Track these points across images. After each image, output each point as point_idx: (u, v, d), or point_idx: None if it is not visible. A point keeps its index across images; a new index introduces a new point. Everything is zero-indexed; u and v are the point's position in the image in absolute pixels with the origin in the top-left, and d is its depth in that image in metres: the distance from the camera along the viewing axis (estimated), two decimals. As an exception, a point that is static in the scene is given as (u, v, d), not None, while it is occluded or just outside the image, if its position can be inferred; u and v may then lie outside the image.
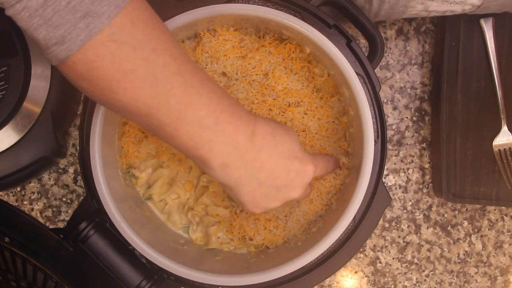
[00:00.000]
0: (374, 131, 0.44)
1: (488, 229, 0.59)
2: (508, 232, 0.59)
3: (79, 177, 0.58)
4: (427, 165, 0.59)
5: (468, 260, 0.60)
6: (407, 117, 0.58)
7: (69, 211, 0.59)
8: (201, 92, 0.35)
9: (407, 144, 0.59)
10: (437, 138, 0.56)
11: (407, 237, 0.59)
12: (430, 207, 0.59)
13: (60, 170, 0.58)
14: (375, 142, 0.45)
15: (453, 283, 0.60)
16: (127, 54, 0.31)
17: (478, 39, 0.54)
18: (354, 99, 0.45)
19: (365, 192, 0.44)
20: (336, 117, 0.51)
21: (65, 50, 0.30)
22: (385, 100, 0.58)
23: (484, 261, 0.60)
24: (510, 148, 0.55)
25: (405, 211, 0.59)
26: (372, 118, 0.45)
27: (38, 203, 0.59)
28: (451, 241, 0.60)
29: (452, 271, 0.60)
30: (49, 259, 0.42)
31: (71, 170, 0.58)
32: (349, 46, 0.45)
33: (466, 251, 0.60)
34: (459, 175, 0.56)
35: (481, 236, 0.59)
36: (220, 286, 0.45)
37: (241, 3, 0.44)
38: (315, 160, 0.43)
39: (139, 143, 0.51)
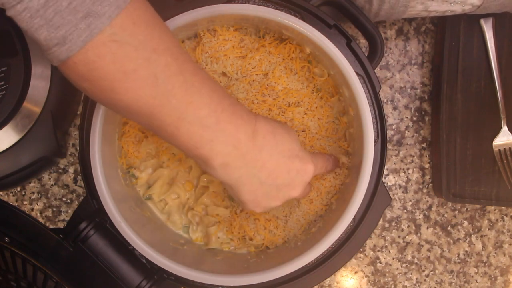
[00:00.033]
0: (374, 131, 0.44)
1: (488, 229, 0.59)
2: (508, 232, 0.59)
3: (79, 177, 0.58)
4: (427, 165, 0.59)
5: (468, 260, 0.60)
6: (407, 117, 0.58)
7: (69, 211, 0.59)
8: (202, 91, 0.35)
9: (407, 144, 0.59)
10: (437, 138, 0.56)
11: (407, 237, 0.59)
12: (430, 207, 0.59)
13: (60, 170, 0.58)
14: (375, 142, 0.45)
15: (453, 283, 0.60)
16: (128, 54, 0.31)
17: (478, 39, 0.54)
18: (354, 99, 0.45)
19: (365, 192, 0.44)
20: (336, 117, 0.51)
21: (66, 51, 0.30)
22: (385, 100, 0.58)
23: (484, 261, 0.60)
24: (510, 148, 0.55)
25: (405, 211, 0.59)
26: (372, 118, 0.45)
27: (38, 203, 0.59)
28: (451, 241, 0.60)
29: (452, 271, 0.60)
30: (49, 259, 0.42)
31: (71, 170, 0.58)
32: (349, 46, 0.45)
33: (466, 251, 0.60)
34: (459, 175, 0.56)
35: (481, 236, 0.59)
36: (220, 286, 0.45)
37: (241, 3, 0.44)
38: (315, 159, 0.43)
39: (139, 143, 0.51)
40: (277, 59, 0.50)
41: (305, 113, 0.50)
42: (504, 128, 0.54)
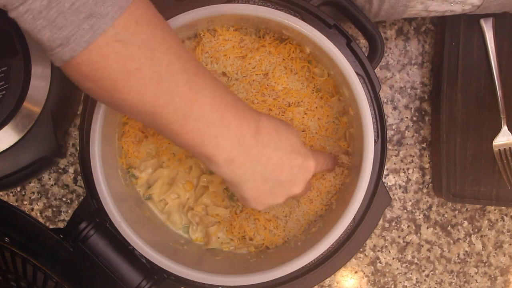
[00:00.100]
0: (374, 131, 0.45)
1: (488, 229, 0.59)
2: (508, 232, 0.59)
3: (79, 177, 0.58)
4: (427, 165, 0.59)
5: (468, 260, 0.60)
6: (407, 117, 0.58)
7: (69, 211, 0.59)
8: (206, 89, 0.35)
9: (407, 144, 0.59)
10: (437, 138, 0.56)
11: (407, 237, 0.59)
12: (430, 207, 0.59)
13: (60, 170, 0.58)
14: (375, 142, 0.45)
15: (453, 283, 0.60)
16: (131, 53, 0.31)
17: (478, 39, 0.54)
18: (354, 99, 0.45)
19: (365, 192, 0.44)
20: (336, 117, 0.51)
21: (70, 51, 0.30)
22: (385, 100, 0.58)
23: (484, 261, 0.60)
24: (510, 148, 0.55)
25: (405, 211, 0.59)
26: (372, 118, 0.45)
27: (38, 203, 0.59)
28: (451, 241, 0.60)
29: (452, 271, 0.60)
30: (49, 259, 0.42)
31: (71, 170, 0.58)
32: (349, 46, 0.45)
33: (466, 251, 0.60)
34: (459, 175, 0.56)
35: (481, 236, 0.59)
36: (220, 286, 0.45)
37: (241, 3, 0.44)
38: (316, 156, 0.44)
39: (139, 143, 0.51)
40: (277, 59, 0.50)
41: (305, 113, 0.50)
42: (504, 128, 0.54)
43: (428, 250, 0.60)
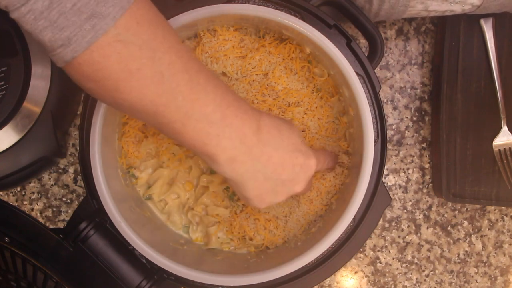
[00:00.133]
0: (374, 131, 0.45)
1: (488, 229, 0.59)
2: (508, 232, 0.59)
3: (79, 177, 0.58)
4: (427, 165, 0.59)
5: (468, 260, 0.60)
6: (407, 117, 0.58)
7: (69, 211, 0.59)
8: (207, 88, 0.35)
9: (407, 144, 0.59)
10: (437, 138, 0.56)
11: (407, 237, 0.59)
12: (430, 207, 0.59)
13: (60, 170, 0.58)
14: (375, 142, 0.45)
15: (453, 283, 0.60)
16: (133, 53, 0.31)
17: (478, 39, 0.54)
18: (354, 99, 0.45)
19: (365, 192, 0.44)
20: (336, 117, 0.51)
21: (71, 52, 0.30)
22: (385, 100, 0.58)
23: (484, 261, 0.60)
24: (510, 148, 0.55)
25: (405, 211, 0.59)
26: (372, 118, 0.45)
27: (38, 203, 0.59)
28: (451, 241, 0.60)
29: (452, 271, 0.60)
30: (49, 259, 0.42)
31: (71, 170, 0.58)
32: (349, 46, 0.45)
33: (466, 251, 0.60)
34: (459, 175, 0.56)
35: (481, 236, 0.59)
36: (220, 286, 0.45)
37: (241, 3, 0.44)
38: (317, 155, 0.44)
39: (139, 143, 0.51)
40: (277, 59, 0.50)
41: (305, 113, 0.50)
42: (504, 128, 0.54)
43: (428, 250, 0.60)
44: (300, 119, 0.50)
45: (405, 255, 0.60)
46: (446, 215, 0.59)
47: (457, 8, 0.49)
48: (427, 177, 0.59)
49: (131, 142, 0.51)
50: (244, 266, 0.48)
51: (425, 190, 0.59)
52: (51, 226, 0.59)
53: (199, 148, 0.37)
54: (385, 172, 0.59)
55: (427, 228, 0.59)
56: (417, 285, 0.60)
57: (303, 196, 0.50)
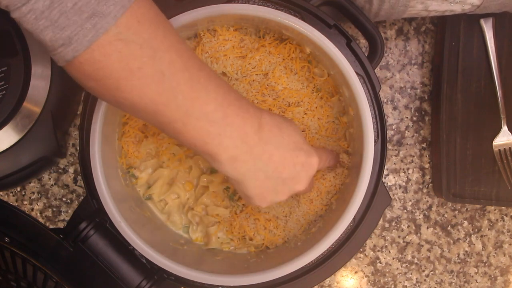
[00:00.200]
0: (374, 131, 0.45)
1: (488, 229, 0.59)
2: (508, 232, 0.59)
3: (79, 177, 0.58)
4: (427, 165, 0.59)
5: (468, 260, 0.60)
6: (407, 117, 0.58)
7: (69, 211, 0.59)
8: (208, 87, 0.35)
9: (407, 144, 0.59)
10: (437, 138, 0.56)
11: (407, 237, 0.59)
12: (430, 207, 0.59)
13: (60, 170, 0.58)
14: (375, 142, 0.45)
15: (453, 283, 0.60)
16: (133, 52, 0.31)
17: (478, 39, 0.54)
18: (354, 99, 0.45)
19: (365, 192, 0.44)
20: (336, 117, 0.51)
21: (72, 51, 0.30)
22: (385, 100, 0.58)
23: (484, 261, 0.60)
24: (510, 148, 0.55)
25: (405, 211, 0.59)
26: (372, 118, 0.45)
27: (38, 203, 0.59)
28: (451, 241, 0.60)
29: (452, 271, 0.60)
30: (49, 259, 0.42)
31: (71, 170, 0.58)
32: (349, 46, 0.45)
33: (466, 251, 0.60)
34: (459, 175, 0.56)
35: (481, 236, 0.59)
36: (220, 286, 0.45)
37: (241, 3, 0.44)
38: (318, 153, 0.43)
39: (139, 143, 0.51)
40: (277, 59, 0.50)
41: (305, 113, 0.50)
42: (504, 128, 0.54)
43: (428, 250, 0.60)
44: (300, 119, 0.50)
45: (405, 255, 0.60)
46: (446, 215, 0.59)
47: (457, 8, 0.49)
48: (427, 177, 0.59)
49: (131, 142, 0.51)
50: (244, 266, 0.48)
51: (425, 190, 0.59)
52: (51, 226, 0.59)
53: (200, 147, 0.37)
54: (385, 172, 0.59)
55: (427, 228, 0.59)
56: (417, 285, 0.60)
57: (303, 196, 0.50)
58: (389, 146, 0.58)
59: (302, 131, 0.50)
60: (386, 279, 0.60)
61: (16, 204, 0.59)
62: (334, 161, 0.49)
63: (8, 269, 0.41)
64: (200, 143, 0.36)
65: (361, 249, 0.59)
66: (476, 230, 0.59)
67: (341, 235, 0.45)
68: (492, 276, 0.60)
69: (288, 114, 0.50)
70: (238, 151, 0.37)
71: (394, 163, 0.59)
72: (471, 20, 0.53)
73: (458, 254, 0.60)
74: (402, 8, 0.48)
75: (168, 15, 0.44)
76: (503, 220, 0.59)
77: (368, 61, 0.45)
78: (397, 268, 0.60)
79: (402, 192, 0.59)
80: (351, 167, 0.49)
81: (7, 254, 0.40)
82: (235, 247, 0.52)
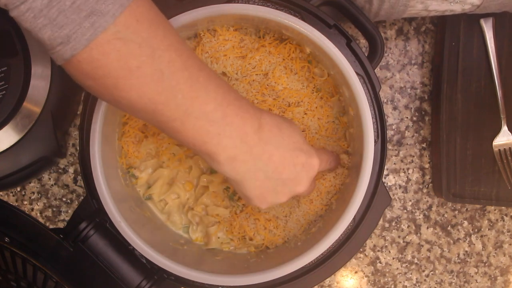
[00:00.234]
0: (374, 131, 0.44)
1: (488, 229, 0.59)
2: (508, 232, 0.59)
3: (79, 177, 0.58)
4: (427, 165, 0.59)
5: (468, 260, 0.60)
6: (407, 117, 0.58)
7: (69, 211, 0.59)
8: (208, 86, 0.35)
9: (407, 144, 0.59)
10: (437, 138, 0.56)
11: (407, 237, 0.59)
12: (430, 207, 0.59)
13: (60, 170, 0.58)
14: (375, 142, 0.45)
15: (453, 283, 0.60)
16: (132, 51, 0.31)
17: (478, 39, 0.54)
18: (354, 99, 0.45)
19: (365, 192, 0.44)
20: (336, 117, 0.51)
21: (70, 50, 0.30)
22: (385, 100, 0.58)
23: (484, 261, 0.60)
24: (510, 148, 0.55)
25: (405, 211, 0.59)
26: (372, 118, 0.45)
27: (38, 203, 0.59)
28: (451, 241, 0.60)
29: (452, 271, 0.60)
30: (49, 259, 0.42)
31: (71, 170, 0.58)
32: (349, 46, 0.45)
33: (466, 251, 0.60)
34: (459, 175, 0.56)
35: (481, 236, 0.59)
36: (220, 286, 0.45)
37: (241, 3, 0.44)
38: (319, 154, 0.43)
39: (139, 143, 0.51)
40: (277, 59, 0.50)
41: (305, 113, 0.50)
42: (504, 128, 0.54)
43: (428, 250, 0.60)
44: (300, 119, 0.50)
45: (405, 255, 0.60)
46: (446, 215, 0.59)
47: (457, 8, 0.49)
48: (427, 177, 0.59)
49: (131, 142, 0.51)
50: (244, 266, 0.48)
51: (425, 190, 0.59)
52: (51, 226, 0.59)
53: (198, 147, 0.37)
54: (385, 172, 0.59)
55: (427, 228, 0.59)
56: (417, 285, 0.60)
57: (308, 195, 0.50)
58: (389, 146, 0.58)
59: (302, 131, 0.50)
60: (386, 279, 0.60)
61: (16, 204, 0.59)
62: (336, 163, 0.49)
63: (8, 269, 0.41)
64: (199, 143, 0.36)
65: (361, 249, 0.59)
66: (476, 230, 0.59)
67: (341, 235, 0.45)
68: (492, 276, 0.60)
69: (288, 114, 0.50)
70: (237, 151, 0.37)
71: (394, 163, 0.59)
72: (471, 20, 0.53)
73: (458, 254, 0.60)
74: (402, 8, 0.48)
75: (168, 15, 0.44)
76: (503, 220, 0.59)
77: (368, 61, 0.45)
78: (397, 268, 0.60)
79: (402, 192, 0.59)
80: (351, 167, 0.49)
81: (7, 254, 0.40)
82: (235, 247, 0.52)
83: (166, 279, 0.46)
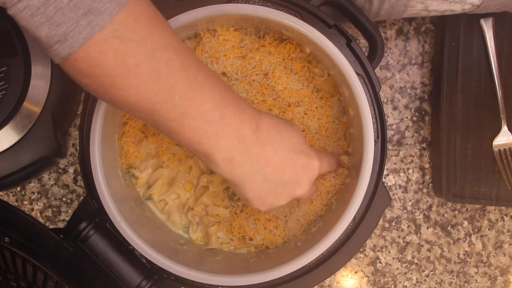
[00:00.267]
0: (374, 131, 0.44)
1: (488, 229, 0.59)
2: (508, 232, 0.59)
3: (79, 177, 0.58)
4: (427, 165, 0.59)
5: (468, 260, 0.60)
6: (407, 117, 0.58)
7: (69, 211, 0.59)
8: (206, 86, 0.35)
9: (407, 144, 0.59)
10: (437, 138, 0.56)
11: (407, 237, 0.59)
12: (430, 207, 0.59)
13: (60, 170, 0.58)
14: (375, 142, 0.45)
15: (453, 283, 0.60)
16: (130, 50, 0.31)
17: (478, 39, 0.54)
18: (354, 99, 0.45)
19: (365, 192, 0.44)
20: (336, 117, 0.51)
21: (68, 48, 0.30)
22: (385, 100, 0.58)
23: (484, 261, 0.60)
24: (510, 148, 0.55)
25: (405, 211, 0.59)
26: (372, 118, 0.45)
27: (38, 203, 0.59)
28: (451, 241, 0.60)
29: (452, 271, 0.60)
30: (49, 259, 0.42)
31: (71, 170, 0.58)
32: (349, 46, 0.45)
33: (466, 251, 0.60)
34: (459, 175, 0.56)
35: (481, 236, 0.59)
36: (220, 286, 0.45)
37: (241, 3, 0.44)
38: (320, 156, 0.43)
39: (139, 143, 0.51)
40: (277, 59, 0.50)
41: (305, 113, 0.50)
42: (504, 128, 0.54)
43: (428, 250, 0.60)
44: (300, 119, 0.50)
45: (405, 255, 0.60)
46: (446, 215, 0.59)
47: (457, 8, 0.49)
48: (427, 177, 0.59)
49: (131, 142, 0.51)
50: (244, 266, 0.48)
51: (425, 190, 0.59)
52: (51, 226, 0.59)
53: (195, 147, 0.37)
54: (385, 172, 0.59)
55: (427, 228, 0.59)
56: (417, 285, 0.60)
57: (309, 198, 0.50)
58: (389, 146, 0.58)
59: (302, 131, 0.50)
60: (386, 279, 0.60)
61: (16, 204, 0.59)
62: (337, 165, 0.49)
63: (8, 269, 0.41)
64: (197, 143, 0.36)
65: (361, 249, 0.59)
66: (476, 230, 0.59)
67: (341, 235, 0.45)
68: (492, 276, 0.60)
69: (288, 114, 0.50)
70: (234, 151, 0.37)
71: (394, 163, 0.59)
72: (471, 20, 0.53)
73: (458, 254, 0.60)
74: (402, 8, 0.48)
75: (168, 15, 0.44)
76: (503, 220, 0.59)
77: (368, 61, 0.45)
78: (397, 268, 0.60)
79: (402, 192, 0.59)
80: (351, 167, 0.49)
81: (7, 254, 0.40)
82: (235, 247, 0.52)
83: (166, 279, 0.46)
